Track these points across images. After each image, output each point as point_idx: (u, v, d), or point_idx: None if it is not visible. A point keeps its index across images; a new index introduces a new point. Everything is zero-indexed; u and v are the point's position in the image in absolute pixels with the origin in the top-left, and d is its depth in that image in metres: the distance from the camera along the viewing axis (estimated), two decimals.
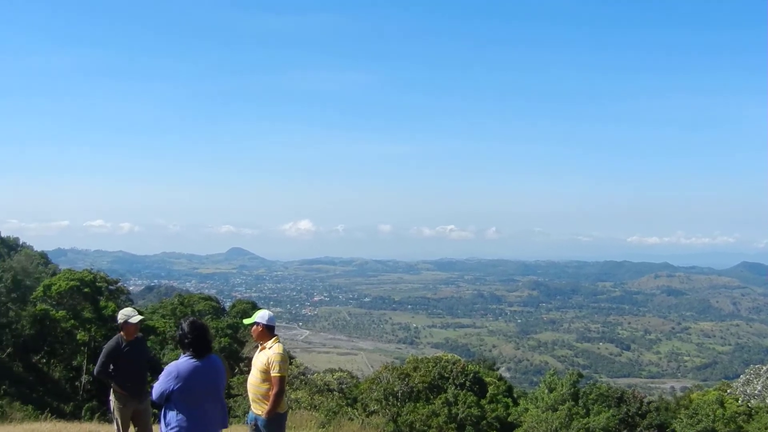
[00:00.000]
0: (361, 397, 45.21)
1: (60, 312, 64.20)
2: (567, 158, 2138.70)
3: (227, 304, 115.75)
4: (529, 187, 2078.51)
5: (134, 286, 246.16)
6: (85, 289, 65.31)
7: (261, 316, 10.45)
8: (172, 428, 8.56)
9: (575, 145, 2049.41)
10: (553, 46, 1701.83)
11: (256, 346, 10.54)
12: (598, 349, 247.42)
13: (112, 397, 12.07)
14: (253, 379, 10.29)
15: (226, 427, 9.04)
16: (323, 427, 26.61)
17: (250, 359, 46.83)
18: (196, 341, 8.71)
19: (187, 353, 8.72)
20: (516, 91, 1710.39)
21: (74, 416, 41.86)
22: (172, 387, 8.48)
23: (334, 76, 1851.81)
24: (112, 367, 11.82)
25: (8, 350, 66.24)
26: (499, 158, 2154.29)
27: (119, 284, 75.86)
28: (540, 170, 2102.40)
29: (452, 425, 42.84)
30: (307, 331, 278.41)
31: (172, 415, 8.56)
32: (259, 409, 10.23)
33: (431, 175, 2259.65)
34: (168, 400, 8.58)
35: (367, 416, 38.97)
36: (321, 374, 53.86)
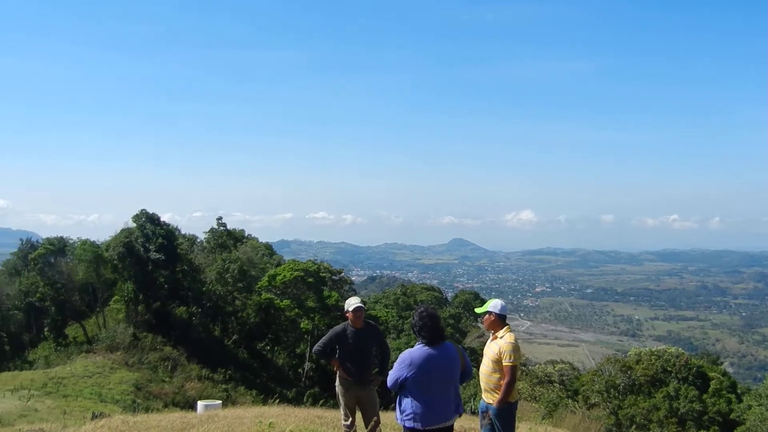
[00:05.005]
0: (582, 389, 44.71)
1: (284, 301, 66.01)
2: None
3: (449, 295, 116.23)
4: (755, 174, 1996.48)
5: (357, 276, 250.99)
6: (309, 279, 66.83)
7: (493, 305, 10.35)
8: (407, 415, 8.61)
9: None
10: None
11: (478, 336, 10.55)
12: None
13: (337, 383, 12.32)
14: (485, 368, 10.24)
15: (460, 414, 8.99)
16: (544, 419, 26.46)
17: (471, 349, 47.15)
18: (428, 329, 8.70)
19: (421, 341, 8.74)
20: (737, 78, 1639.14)
21: (297, 402, 43.01)
22: (405, 374, 8.53)
23: (550, 66, 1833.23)
24: (337, 350, 12.07)
25: (234, 337, 68.73)
26: (722, 145, 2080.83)
27: (342, 274, 77.27)
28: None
29: (673, 420, 41.77)
30: (529, 322, 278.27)
31: (407, 402, 8.61)
32: (490, 398, 10.17)
33: (654, 164, 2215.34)
34: (402, 388, 8.64)
35: (588, 409, 38.56)
36: (542, 366, 53.57)
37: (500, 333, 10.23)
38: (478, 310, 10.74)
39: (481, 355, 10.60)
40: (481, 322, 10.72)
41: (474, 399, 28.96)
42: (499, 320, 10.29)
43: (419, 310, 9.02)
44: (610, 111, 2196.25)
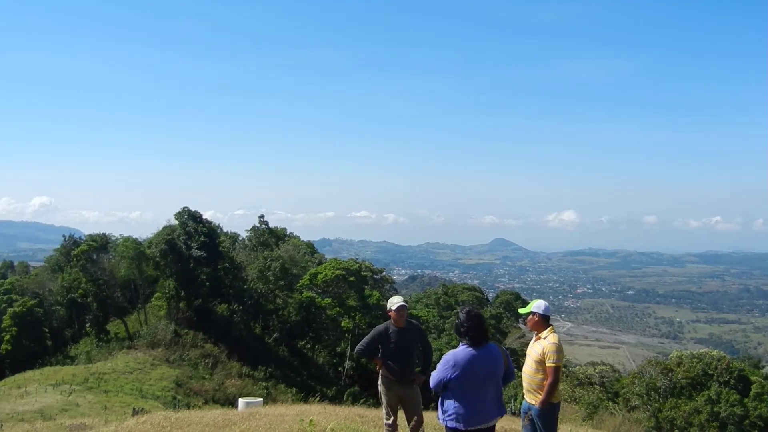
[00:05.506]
0: (623, 391, 44.53)
1: (325, 299, 66.25)
2: None
3: (490, 295, 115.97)
4: None
5: (398, 275, 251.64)
6: (351, 278, 67.04)
7: (537, 305, 10.34)
8: (449, 416, 8.59)
9: None
10: None
11: (519, 337, 10.48)
12: None
13: (379, 381, 12.27)
14: (528, 369, 10.19)
15: (502, 415, 8.96)
16: (585, 421, 26.34)
17: (512, 350, 46.93)
18: (472, 330, 8.65)
19: (465, 342, 8.68)
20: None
21: (337, 400, 42.99)
22: (449, 375, 8.50)
23: (593, 65, 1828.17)
24: (379, 349, 11.95)
25: (275, 335, 69.01)
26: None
27: (384, 274, 77.45)
28: None
29: (714, 423, 41.45)
30: (570, 324, 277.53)
31: (450, 403, 8.59)
32: (533, 399, 10.12)
33: (698, 165, 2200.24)
34: (446, 388, 8.62)
35: (629, 411, 38.44)
36: (583, 367, 53.36)
37: (544, 333, 10.21)
38: (521, 311, 10.73)
39: (522, 356, 10.61)
40: (524, 323, 10.69)
41: (514, 400, 28.88)
42: (543, 321, 10.27)
43: (466, 310, 8.98)
44: (655, 112, 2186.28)
